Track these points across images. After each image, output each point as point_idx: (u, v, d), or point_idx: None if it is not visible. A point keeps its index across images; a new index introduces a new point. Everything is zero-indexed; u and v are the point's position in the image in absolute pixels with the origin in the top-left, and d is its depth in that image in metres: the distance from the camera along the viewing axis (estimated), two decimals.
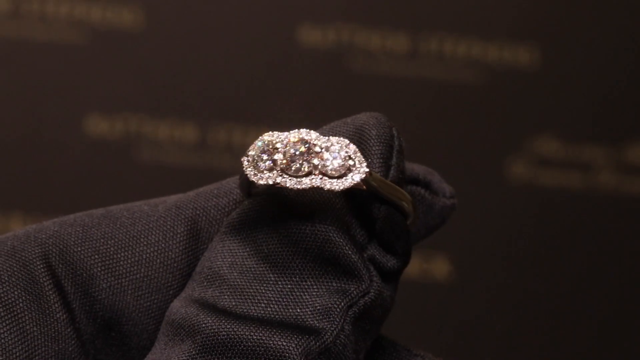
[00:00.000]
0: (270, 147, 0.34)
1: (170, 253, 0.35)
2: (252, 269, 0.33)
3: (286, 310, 0.33)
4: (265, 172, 0.34)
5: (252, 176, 0.34)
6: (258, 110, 0.93)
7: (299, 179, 0.33)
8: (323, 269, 0.33)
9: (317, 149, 0.34)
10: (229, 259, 0.34)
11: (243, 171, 0.34)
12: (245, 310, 0.33)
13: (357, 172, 0.33)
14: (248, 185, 0.35)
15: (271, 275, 0.33)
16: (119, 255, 0.35)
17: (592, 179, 0.94)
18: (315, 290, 0.33)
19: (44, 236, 0.35)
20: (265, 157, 0.34)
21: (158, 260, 0.35)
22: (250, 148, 0.34)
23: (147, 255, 0.35)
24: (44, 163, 0.92)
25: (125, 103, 0.92)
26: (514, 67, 0.93)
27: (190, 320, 0.33)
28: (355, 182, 0.33)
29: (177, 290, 0.35)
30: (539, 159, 0.94)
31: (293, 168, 0.33)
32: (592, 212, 0.94)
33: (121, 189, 0.92)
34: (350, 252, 0.33)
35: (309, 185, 0.33)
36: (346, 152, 0.33)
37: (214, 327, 0.32)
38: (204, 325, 0.32)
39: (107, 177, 0.92)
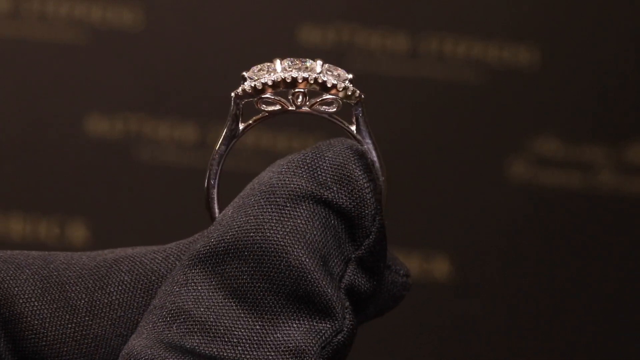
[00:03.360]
0: (269, 66, 0.35)
1: (98, 302, 0.34)
2: (220, 304, 0.32)
3: (257, 351, 0.31)
4: (266, 75, 0.35)
5: (251, 83, 0.35)
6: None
7: (305, 72, 0.34)
8: (296, 306, 0.32)
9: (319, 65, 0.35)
10: (194, 293, 0.32)
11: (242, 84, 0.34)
12: (214, 351, 0.31)
13: (356, 90, 0.35)
14: (209, 203, 0.35)
15: (241, 311, 0.32)
16: (44, 298, 0.34)
17: (592, 179, 0.94)
18: (288, 329, 0.32)
19: None
20: (261, 73, 0.35)
21: (85, 308, 0.34)
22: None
23: (74, 301, 0.34)
24: (44, 163, 0.92)
25: (125, 103, 0.92)
26: (514, 67, 0.93)
27: None
28: (359, 96, 0.34)
29: (107, 339, 0.34)
30: (538, 158, 0.94)
31: (298, 65, 0.35)
32: (592, 212, 0.94)
33: (121, 189, 0.93)
34: (326, 289, 0.32)
35: (314, 77, 0.34)
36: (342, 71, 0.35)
37: None
38: None
39: (107, 177, 0.92)
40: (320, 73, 0.35)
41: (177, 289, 0.33)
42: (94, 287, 0.34)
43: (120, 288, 0.34)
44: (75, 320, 0.34)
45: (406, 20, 0.93)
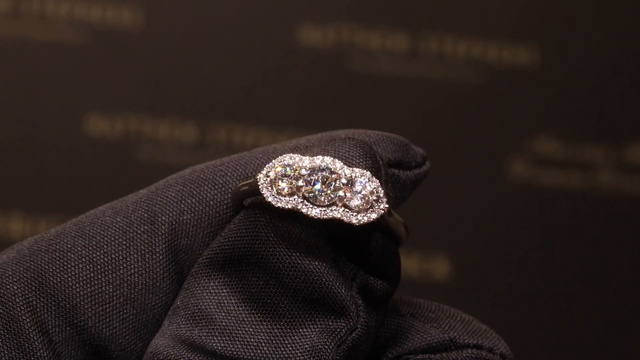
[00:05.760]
0: (293, 171, 0.33)
1: (151, 273, 0.34)
2: (240, 310, 0.33)
3: (276, 352, 0.32)
4: (285, 196, 0.33)
5: (270, 198, 0.33)
6: (258, 110, 0.93)
7: (322, 209, 0.33)
8: (312, 308, 0.33)
9: (344, 180, 0.33)
10: (215, 298, 0.33)
11: (255, 189, 0.33)
12: (235, 353, 0.32)
13: (377, 208, 0.33)
14: (241, 200, 0.35)
15: (259, 316, 0.33)
16: (99, 280, 0.34)
17: (592, 178, 0.94)
18: (305, 330, 0.33)
19: (21, 269, 0.34)
20: (286, 180, 0.33)
21: (140, 282, 0.34)
22: (268, 167, 0.33)
23: (127, 277, 0.34)
24: (44, 163, 0.92)
25: (125, 103, 0.92)
26: (514, 67, 0.93)
27: None
28: (373, 219, 0.33)
29: (161, 309, 0.35)
30: (538, 158, 0.94)
31: (317, 197, 0.33)
32: (592, 212, 0.94)
33: (121, 189, 0.92)
34: (339, 290, 0.33)
35: (330, 217, 0.33)
36: (370, 187, 0.33)
37: None
38: None
39: (107, 177, 0.92)
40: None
41: (199, 292, 0.34)
42: (142, 258, 0.35)
43: (164, 258, 0.35)
44: (132, 296, 0.34)
45: (406, 20, 0.93)
